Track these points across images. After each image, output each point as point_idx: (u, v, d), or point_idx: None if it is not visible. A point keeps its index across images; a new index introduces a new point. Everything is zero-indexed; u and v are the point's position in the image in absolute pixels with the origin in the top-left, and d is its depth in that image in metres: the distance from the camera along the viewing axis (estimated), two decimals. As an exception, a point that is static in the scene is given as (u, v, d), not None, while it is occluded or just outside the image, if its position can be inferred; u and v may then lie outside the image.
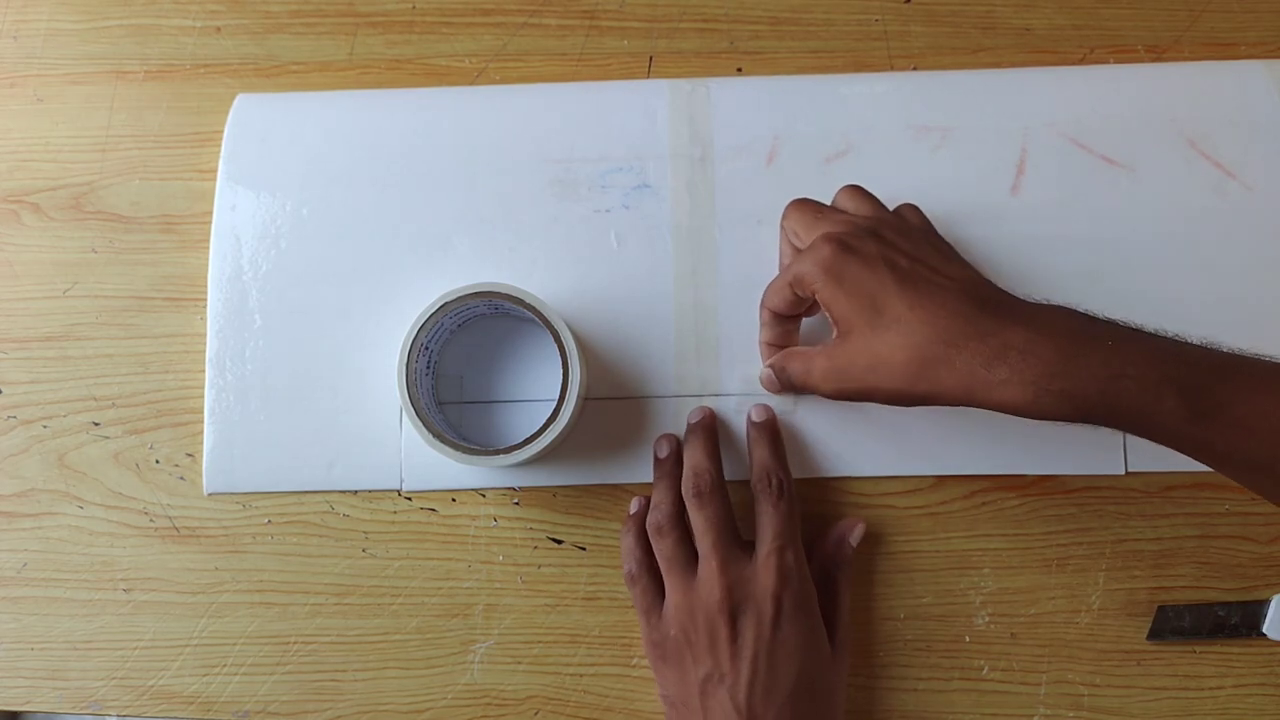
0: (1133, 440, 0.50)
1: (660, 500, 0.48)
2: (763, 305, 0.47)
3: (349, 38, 0.56)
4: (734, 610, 0.44)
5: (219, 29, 0.57)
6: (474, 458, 0.46)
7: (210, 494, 0.51)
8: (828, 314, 0.43)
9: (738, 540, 0.46)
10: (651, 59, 0.56)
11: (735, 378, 0.51)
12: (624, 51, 0.56)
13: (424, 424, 0.46)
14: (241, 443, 0.51)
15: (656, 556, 0.47)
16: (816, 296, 0.43)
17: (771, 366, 0.47)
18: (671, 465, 0.49)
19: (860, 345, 0.42)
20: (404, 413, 0.47)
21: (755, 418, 0.49)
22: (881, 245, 0.43)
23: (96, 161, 0.55)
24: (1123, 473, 0.50)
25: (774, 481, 0.47)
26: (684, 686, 0.45)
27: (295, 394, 0.51)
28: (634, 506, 0.50)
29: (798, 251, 0.46)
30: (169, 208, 0.54)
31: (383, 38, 0.56)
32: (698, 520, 0.46)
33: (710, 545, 0.45)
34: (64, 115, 0.56)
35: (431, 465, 0.50)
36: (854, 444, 0.50)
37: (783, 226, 0.48)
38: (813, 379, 0.44)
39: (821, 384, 0.44)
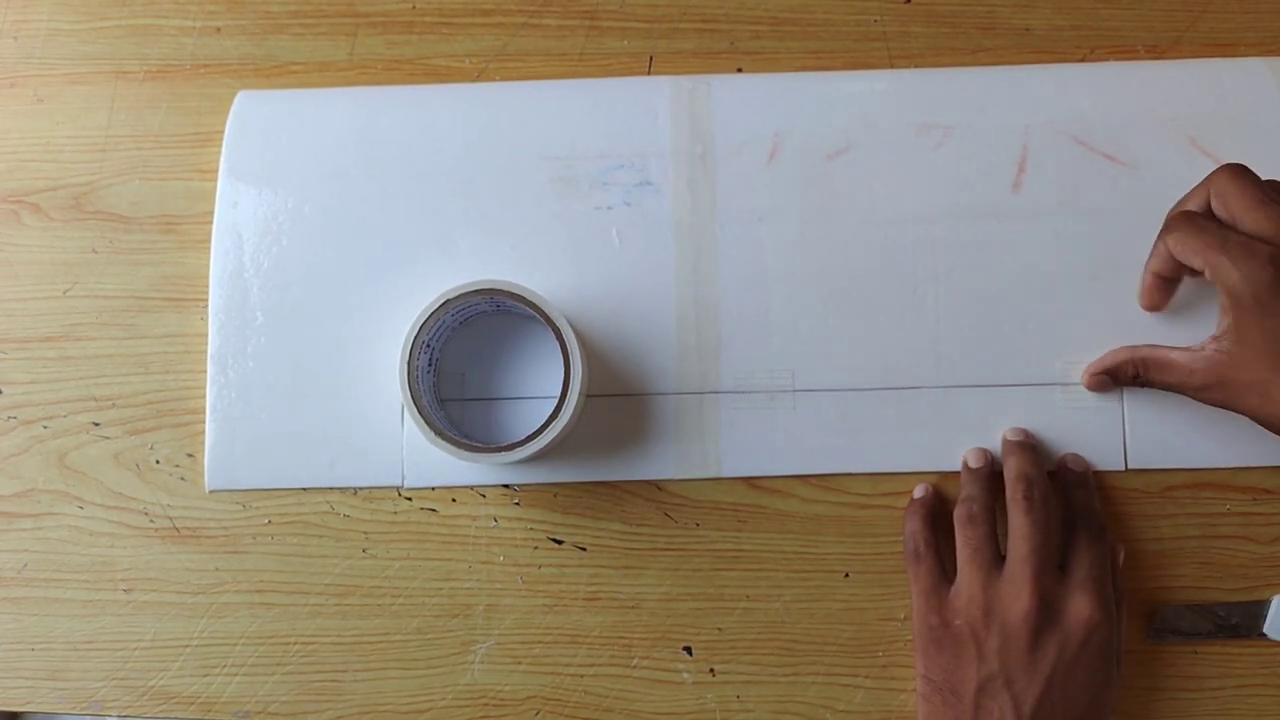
0: (1133, 436, 0.50)
1: (975, 494, 0.48)
2: (1166, 240, 0.46)
3: (349, 38, 0.57)
4: (1039, 625, 0.44)
5: (219, 29, 0.57)
6: (475, 455, 0.46)
7: (212, 491, 0.51)
8: (1230, 326, 0.44)
9: (1054, 558, 0.46)
10: (652, 59, 0.56)
11: (736, 374, 0.51)
12: (624, 52, 0.56)
13: (425, 421, 0.46)
14: (243, 440, 0.51)
15: (960, 545, 0.47)
16: (1230, 307, 0.43)
17: (1116, 370, 0.48)
18: (988, 469, 0.49)
19: (1253, 378, 0.43)
20: (405, 410, 0.47)
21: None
22: None
23: (96, 161, 0.55)
24: (1123, 469, 0.50)
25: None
26: (957, 677, 0.45)
27: (297, 391, 0.51)
28: (920, 492, 0.50)
29: (1222, 229, 0.44)
30: (169, 208, 0.54)
31: (383, 38, 0.56)
32: (1021, 524, 0.46)
33: (1028, 552, 0.45)
34: (64, 115, 0.56)
35: (433, 462, 0.50)
36: (852, 440, 0.50)
37: (1212, 182, 0.45)
38: (1190, 387, 0.45)
39: (1199, 394, 0.45)
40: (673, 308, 0.51)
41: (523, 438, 0.46)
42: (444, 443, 0.46)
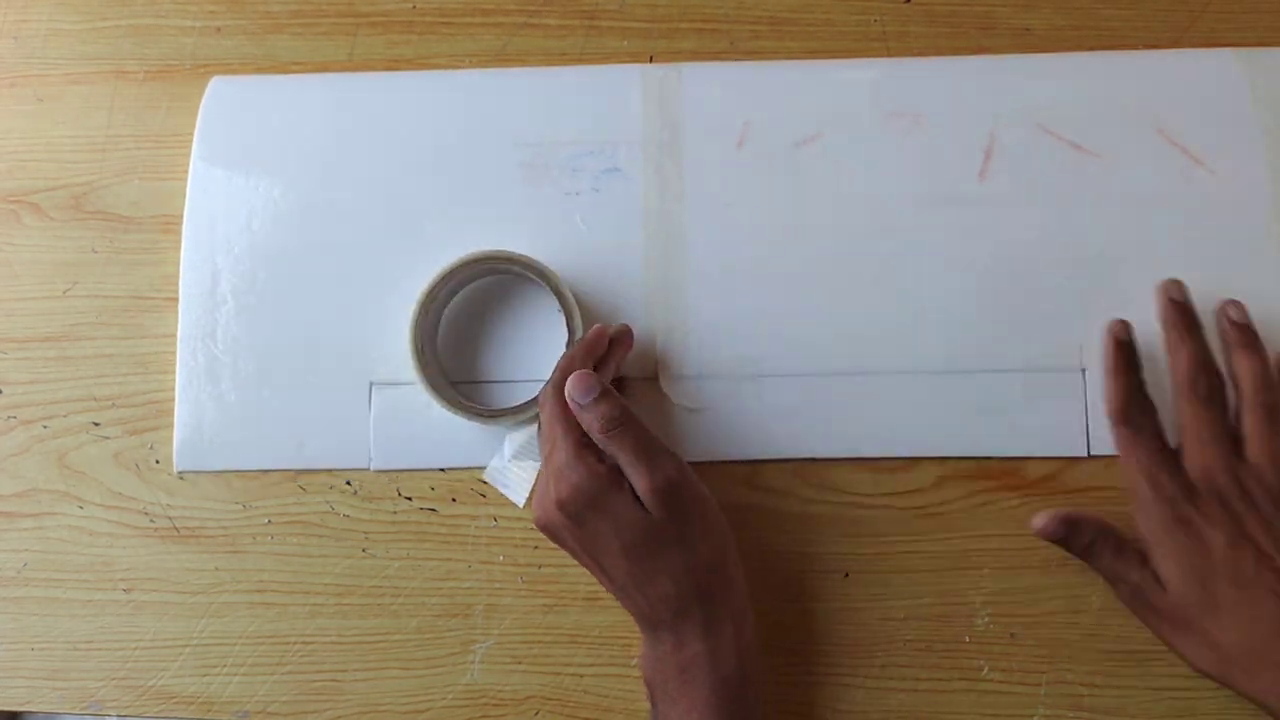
0: (1095, 423, 0.50)
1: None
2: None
3: (349, 38, 0.57)
4: (551, 529, 0.46)
5: (219, 29, 0.57)
6: (494, 420, 0.49)
7: (180, 473, 0.51)
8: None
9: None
10: (651, 59, 0.56)
11: (703, 359, 0.51)
12: (624, 52, 0.56)
13: (437, 394, 0.49)
14: (212, 423, 0.52)
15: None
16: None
17: (1075, 528, 0.47)
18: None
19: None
20: (418, 381, 0.49)
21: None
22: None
23: (96, 161, 0.55)
24: (1085, 455, 0.50)
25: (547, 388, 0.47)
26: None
27: (265, 374, 0.52)
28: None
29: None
30: (169, 208, 0.54)
31: (383, 38, 0.56)
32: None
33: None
34: (64, 115, 0.56)
35: (399, 444, 0.51)
36: (819, 425, 0.50)
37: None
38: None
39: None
40: (640, 293, 0.52)
41: (525, 400, 0.48)
42: (461, 411, 0.48)
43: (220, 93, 0.55)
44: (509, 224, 0.53)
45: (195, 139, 0.54)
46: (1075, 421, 0.50)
